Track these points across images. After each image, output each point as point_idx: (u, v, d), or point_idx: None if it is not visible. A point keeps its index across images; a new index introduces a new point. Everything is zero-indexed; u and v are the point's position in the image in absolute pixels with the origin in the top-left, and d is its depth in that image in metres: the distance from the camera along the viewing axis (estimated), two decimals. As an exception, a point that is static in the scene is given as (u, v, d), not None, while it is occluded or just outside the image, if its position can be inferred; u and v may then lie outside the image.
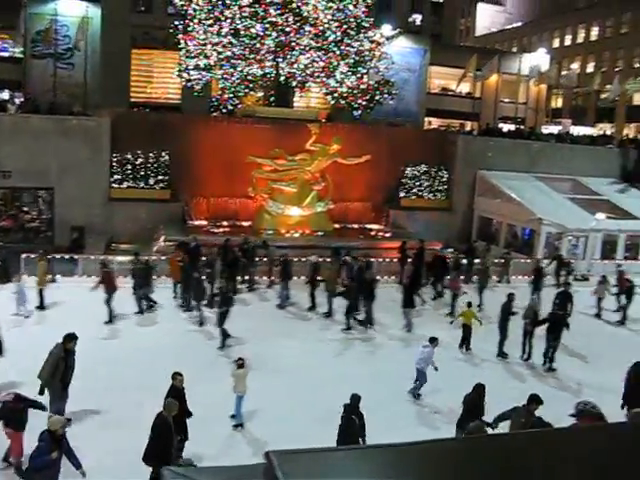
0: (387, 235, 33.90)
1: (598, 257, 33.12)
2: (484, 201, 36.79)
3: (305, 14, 35.85)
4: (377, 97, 38.93)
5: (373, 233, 34.48)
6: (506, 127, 46.23)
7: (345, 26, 37.03)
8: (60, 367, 13.07)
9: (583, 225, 33.01)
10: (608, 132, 56.08)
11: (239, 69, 36.00)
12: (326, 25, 36.37)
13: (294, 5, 35.57)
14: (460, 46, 73.24)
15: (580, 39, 76.65)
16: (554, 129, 50.71)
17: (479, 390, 12.79)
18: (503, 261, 30.15)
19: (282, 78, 36.63)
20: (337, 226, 33.94)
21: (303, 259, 26.16)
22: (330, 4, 36.36)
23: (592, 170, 39.24)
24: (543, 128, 49.51)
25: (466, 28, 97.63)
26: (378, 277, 23.93)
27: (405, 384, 16.21)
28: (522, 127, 45.95)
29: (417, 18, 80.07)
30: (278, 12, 35.33)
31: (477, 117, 46.38)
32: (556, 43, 79.26)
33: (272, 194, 32.94)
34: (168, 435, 11.02)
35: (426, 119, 49.60)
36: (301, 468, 2.08)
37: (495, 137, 40.78)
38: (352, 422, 11.83)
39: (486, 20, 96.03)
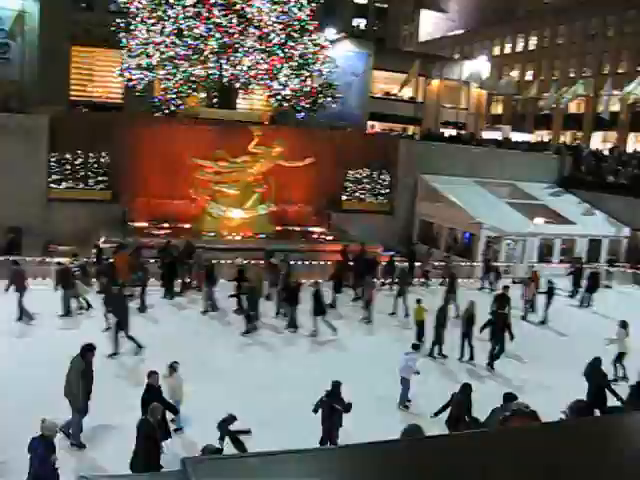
0: (329, 238, 34.00)
1: (535, 260, 33.82)
2: (425, 205, 37.25)
3: (249, 16, 35.76)
4: (320, 100, 39.10)
5: (315, 236, 34.53)
6: (447, 132, 46.90)
7: (289, 29, 37.08)
8: (83, 379, 12.90)
9: (521, 229, 33.71)
10: (546, 139, 57.45)
11: (182, 69, 35.69)
12: (270, 27, 36.34)
13: (238, 7, 35.45)
14: (403, 51, 73.99)
15: (519, 48, 78.59)
16: (494, 135, 51.67)
17: (467, 390, 12.92)
18: (444, 264, 30.55)
19: (225, 79, 36.45)
20: (279, 228, 33.88)
21: (229, 261, 26.01)
22: (274, 6, 36.36)
23: (530, 175, 40.14)
24: (483, 133, 50.39)
25: (410, 34, 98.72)
26: (304, 280, 23.50)
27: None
28: (463, 132, 46.66)
29: (361, 22, 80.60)
30: (222, 13, 35.16)
31: (419, 121, 46.94)
32: (496, 51, 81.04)
33: (214, 196, 32.72)
34: (155, 441, 11.03)
35: (369, 123, 49.94)
36: (215, 475, 2.09)
37: (436, 141, 41.36)
38: (333, 409, 12.61)
39: (429, 26, 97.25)
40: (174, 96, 36.27)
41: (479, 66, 51.82)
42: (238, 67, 36.09)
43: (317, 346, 20.42)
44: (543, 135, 62.63)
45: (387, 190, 37.59)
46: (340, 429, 12.85)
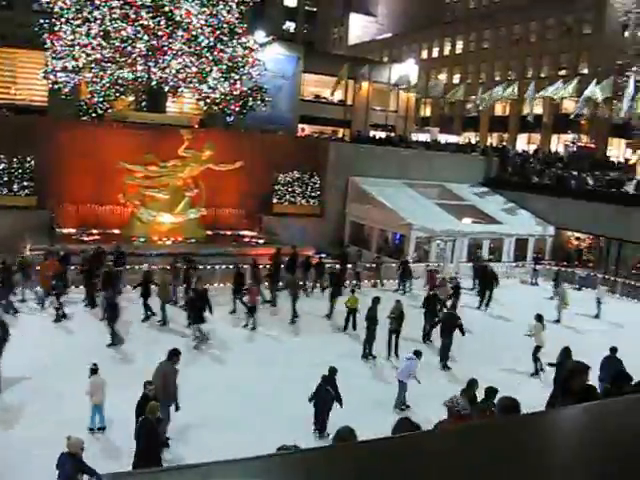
0: (260, 241, 33.98)
1: (464, 260, 34.52)
2: (356, 207, 37.58)
3: (178, 18, 35.41)
4: (250, 103, 39.00)
5: (246, 240, 34.45)
6: (377, 134, 47.39)
7: (218, 31, 36.87)
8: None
9: (450, 229, 34.37)
10: (473, 140, 58.62)
11: (109, 72, 35.08)
12: (199, 30, 36.08)
13: (166, 9, 35.06)
14: (333, 54, 74.40)
15: (447, 52, 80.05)
16: (423, 137, 52.48)
17: (474, 387, 12.87)
18: (375, 265, 30.91)
19: (154, 83, 35.99)
20: (210, 233, 33.70)
21: (136, 267, 25.71)
22: (203, 9, 36.11)
23: (458, 176, 40.94)
24: (412, 136, 51.09)
25: (339, 37, 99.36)
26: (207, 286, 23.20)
27: (261, 389, 16.35)
28: (392, 134, 47.22)
29: (291, 26, 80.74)
30: (150, 15, 34.72)
31: (349, 124, 47.30)
32: (424, 54, 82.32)
33: (143, 201, 32.29)
34: (156, 438, 11.42)
35: (299, 126, 50.05)
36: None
37: (366, 144, 41.77)
38: (327, 392, 13.83)
39: (358, 30, 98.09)
40: (101, 99, 35.61)
41: (408, 69, 52.54)
42: (167, 70, 35.68)
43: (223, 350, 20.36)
44: (470, 137, 63.96)
45: (318, 193, 37.75)
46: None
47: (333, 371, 14.14)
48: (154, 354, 15.19)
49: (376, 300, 20.75)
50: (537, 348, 19.93)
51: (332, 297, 24.91)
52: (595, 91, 40.80)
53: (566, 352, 16.66)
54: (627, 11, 53.40)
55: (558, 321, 25.94)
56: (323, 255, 31.67)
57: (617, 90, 41.90)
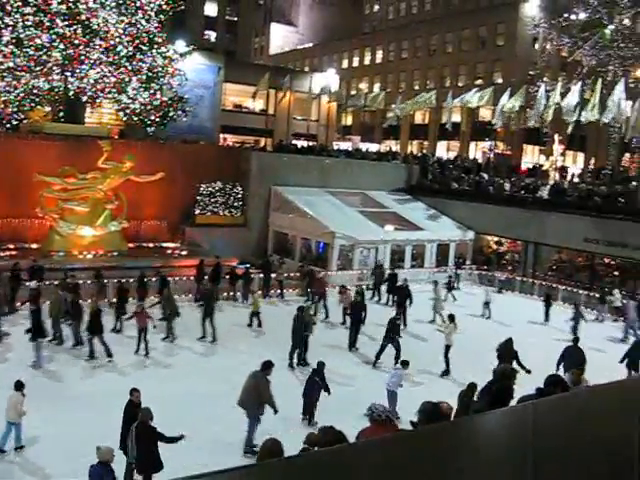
0: (183, 253, 33.65)
1: (388, 266, 34.95)
2: (279, 216, 37.63)
3: (95, 27, 34.80)
4: (171, 114, 38.63)
5: (169, 252, 34.07)
6: (299, 143, 47.58)
7: (137, 41, 36.41)
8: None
9: (373, 236, 34.76)
10: (394, 148, 59.48)
11: (23, 81, 34.15)
12: (117, 39, 35.54)
13: (83, 17, 34.41)
14: (254, 64, 74.34)
15: (367, 61, 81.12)
16: (344, 145, 52.97)
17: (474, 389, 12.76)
18: (299, 274, 31.00)
19: (71, 93, 35.24)
20: (132, 246, 33.21)
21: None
22: (122, 18, 35.60)
23: (380, 184, 41.46)
24: (334, 144, 51.50)
25: (260, 47, 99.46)
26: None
27: (202, 402, 16.21)
28: (314, 143, 47.48)
29: (211, 35, 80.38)
30: (66, 23, 34.01)
31: (271, 134, 47.32)
32: (345, 64, 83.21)
33: (62, 214, 31.60)
34: (155, 441, 11.52)
35: (221, 136, 49.79)
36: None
37: (288, 153, 41.90)
38: (315, 382, 15.44)
39: (279, 40, 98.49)
40: (16, 109, 34.65)
41: (328, 79, 52.98)
42: (84, 80, 35.00)
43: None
44: (391, 145, 64.89)
45: (240, 203, 37.60)
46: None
47: (321, 364, 15.81)
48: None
49: (301, 309, 20.86)
50: (447, 348, 20.44)
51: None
52: (509, 100, 42.03)
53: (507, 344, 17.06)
54: (536, 25, 55.21)
55: (433, 321, 26.78)
56: (248, 265, 31.60)
57: (530, 99, 43.28)
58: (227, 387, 15.95)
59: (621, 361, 19.27)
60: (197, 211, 36.50)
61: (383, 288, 30.87)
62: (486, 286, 31.04)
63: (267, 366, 14.77)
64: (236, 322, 24.65)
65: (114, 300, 23.88)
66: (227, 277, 28.69)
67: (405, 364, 16.84)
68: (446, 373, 20.21)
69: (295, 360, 20.26)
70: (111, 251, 31.80)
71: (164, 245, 34.77)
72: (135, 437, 11.56)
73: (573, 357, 17.76)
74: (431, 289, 27.97)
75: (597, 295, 30.67)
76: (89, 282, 25.38)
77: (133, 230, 33.72)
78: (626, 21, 48.21)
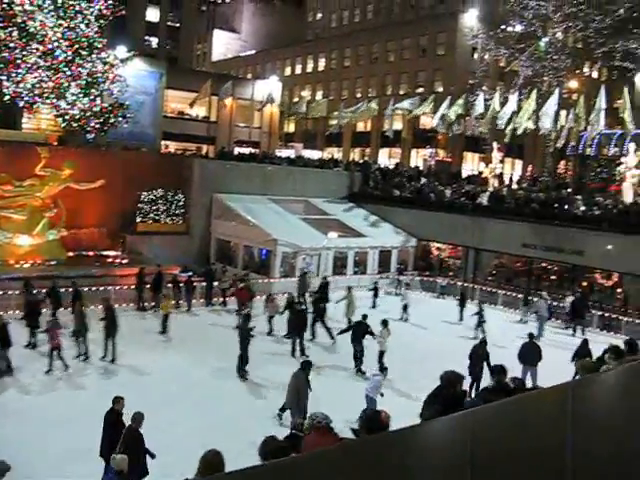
0: (124, 261, 33.21)
1: (330, 273, 35.12)
2: (221, 224, 37.44)
3: (32, 30, 34.13)
4: (111, 120, 38.09)
5: (109, 260, 33.58)
6: (242, 150, 47.48)
7: (76, 46, 35.83)
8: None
9: (316, 244, 34.88)
10: (336, 156, 59.83)
11: (-45, 85, 33.31)
12: (55, 43, 34.92)
13: (19, 19, 33.71)
14: (196, 70, 73.97)
15: (309, 69, 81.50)
16: (287, 153, 53.06)
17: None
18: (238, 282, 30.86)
19: (7, 97, 34.45)
20: (71, 254, 32.61)
21: None
22: (60, 22, 34.99)
23: (322, 191, 41.69)
24: (277, 152, 51.54)
25: (203, 53, 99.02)
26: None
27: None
28: (257, 151, 47.45)
29: (153, 41, 79.63)
30: (0, 26, 33.28)
31: (213, 141, 47.09)
32: (288, 72, 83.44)
33: (-2, 222, 30.88)
34: (141, 446, 11.50)
35: (163, 143, 49.34)
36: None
37: (231, 160, 41.77)
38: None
39: (222, 47, 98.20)
40: (-53, 115, 33.76)
41: (271, 86, 53.03)
42: (21, 85, 34.27)
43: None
44: (334, 152, 65.25)
45: (182, 210, 37.31)
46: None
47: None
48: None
49: (247, 317, 20.86)
50: (381, 354, 20.66)
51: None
52: (449, 108, 42.74)
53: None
54: (475, 35, 56.36)
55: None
56: (190, 273, 31.37)
57: (469, 108, 44.11)
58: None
59: (572, 360, 19.51)
60: (138, 219, 36.05)
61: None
62: (405, 289, 31.00)
63: (306, 365, 15.56)
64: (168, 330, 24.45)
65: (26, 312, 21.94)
66: (170, 285, 28.42)
67: (383, 370, 17.01)
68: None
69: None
70: (49, 260, 31.19)
71: (104, 253, 34.23)
72: (124, 441, 11.53)
73: (530, 352, 19.65)
74: (348, 294, 27.48)
75: (520, 297, 31.96)
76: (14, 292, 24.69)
77: (73, 238, 33.11)
78: (559, 34, 49.55)
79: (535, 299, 30.27)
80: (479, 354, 18.56)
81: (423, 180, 44.80)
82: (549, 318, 28.88)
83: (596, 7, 47.38)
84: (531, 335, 21.06)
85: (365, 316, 22.36)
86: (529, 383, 17.80)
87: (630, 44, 45.73)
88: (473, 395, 14.39)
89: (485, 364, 17.89)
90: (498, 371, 9.98)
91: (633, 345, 12.10)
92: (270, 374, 19.57)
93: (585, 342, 20.89)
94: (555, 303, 30.77)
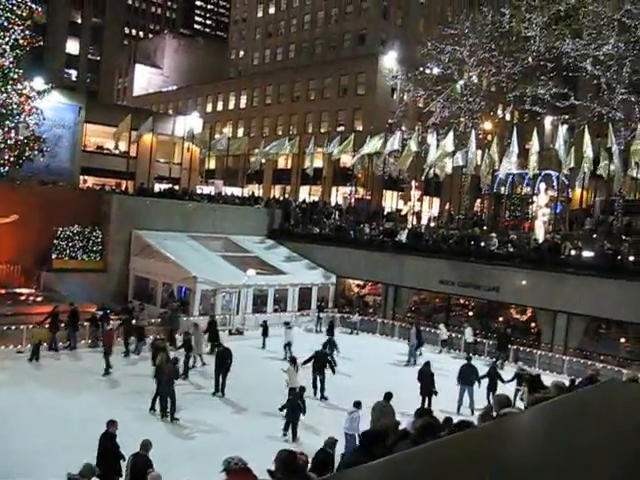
0: (38, 299, 32.21)
1: (250, 311, 34.99)
2: (140, 261, 36.88)
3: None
4: (27, 153, 37.19)
5: (23, 297, 32.49)
6: (162, 187, 47.02)
7: (-9, 76, 35.01)
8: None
9: (235, 281, 34.66)
10: (257, 193, 59.96)
11: None
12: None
13: None
14: (116, 105, 73.25)
15: (231, 106, 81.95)
16: (208, 189, 52.85)
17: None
18: (160, 320, 30.37)
19: None
20: (-18, 291, 31.51)
21: None
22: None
23: (242, 228, 41.67)
24: (197, 188, 51.29)
25: (124, 87, 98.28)
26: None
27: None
28: (177, 187, 47.10)
29: (73, 74, 78.51)
30: None
31: (133, 176, 46.48)
32: (209, 108, 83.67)
33: None
34: (145, 474, 11.71)
35: (82, 177, 48.41)
36: None
37: (150, 197, 41.29)
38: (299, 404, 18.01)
39: (144, 81, 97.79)
40: None
41: (192, 122, 52.91)
42: None
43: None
44: (255, 189, 65.37)
45: (100, 247, 36.60)
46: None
47: (303, 389, 18.57)
48: None
49: (176, 360, 20.63)
50: (291, 390, 20.10)
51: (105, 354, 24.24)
52: (369, 147, 43.51)
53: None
54: (394, 76, 57.96)
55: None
56: (108, 311, 30.65)
57: (388, 147, 45.00)
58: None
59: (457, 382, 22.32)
60: (54, 255, 35.16)
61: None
62: (287, 328, 29.59)
63: (389, 396, 16.50)
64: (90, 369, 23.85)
65: None
66: (87, 323, 27.75)
67: (358, 405, 16.72)
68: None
69: (161, 409, 19.59)
70: (-42, 297, 30.06)
71: (18, 291, 33.14)
72: (132, 466, 12.29)
73: (467, 374, 22.38)
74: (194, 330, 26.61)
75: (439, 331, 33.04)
76: None
77: (-17, 275, 32.04)
78: (474, 78, 51.49)
79: (412, 329, 30.88)
80: (427, 374, 21.65)
81: (339, 217, 45.34)
82: (419, 345, 30.18)
83: (507, 54, 49.52)
84: (468, 358, 23.76)
85: (325, 345, 24.53)
86: (467, 401, 21.95)
87: (538, 90, 47.88)
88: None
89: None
90: (422, 413, 10.23)
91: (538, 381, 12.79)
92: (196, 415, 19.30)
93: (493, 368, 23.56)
94: (455, 335, 32.61)
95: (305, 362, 22.81)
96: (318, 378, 22.80)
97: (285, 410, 18.25)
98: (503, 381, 22.54)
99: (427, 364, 22.39)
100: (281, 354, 28.00)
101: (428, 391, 21.26)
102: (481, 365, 24.91)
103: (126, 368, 24.89)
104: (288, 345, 28.49)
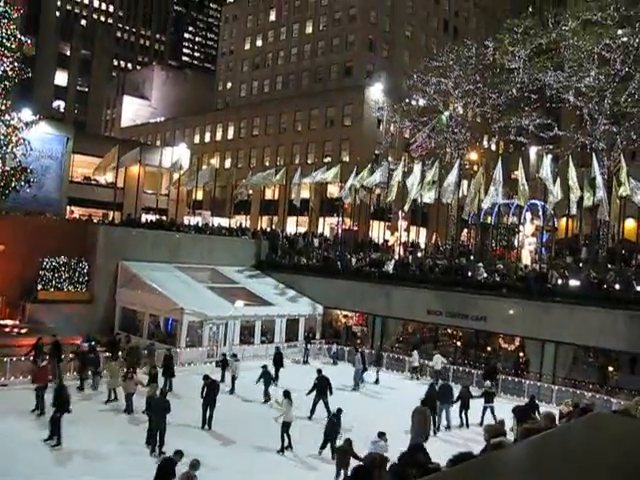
0: (23, 331, 31.85)
1: (237, 342, 34.77)
2: (126, 292, 36.69)
3: None
4: (13, 184, 37.05)
5: (7, 329, 32.14)
6: (149, 218, 46.96)
7: (-22, 107, 34.95)
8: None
9: (223, 312, 34.51)
10: (245, 224, 59.94)
11: None
12: (-45, 105, 34.00)
13: None
14: (104, 136, 73.43)
15: (218, 137, 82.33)
16: (195, 220, 52.86)
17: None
18: (147, 352, 30.09)
19: None
20: (-35, 323, 31.19)
21: None
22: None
23: (230, 259, 41.63)
24: (184, 219, 51.28)
25: (112, 119, 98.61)
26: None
27: None
28: (164, 218, 47.06)
29: (61, 105, 78.76)
30: None
31: (120, 207, 46.44)
32: (197, 139, 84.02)
33: None
34: None
35: (68, 208, 48.30)
36: None
37: (138, 227, 41.21)
38: (336, 424, 19.29)
39: (131, 112, 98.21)
40: None
41: (180, 153, 53.06)
42: None
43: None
44: (242, 220, 65.36)
45: (86, 278, 36.42)
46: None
47: (340, 410, 19.53)
48: None
49: (164, 390, 20.47)
50: (285, 424, 20.20)
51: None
52: (355, 178, 43.72)
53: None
54: (380, 107, 58.52)
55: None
56: (93, 343, 30.35)
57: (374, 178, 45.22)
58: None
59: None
60: (40, 286, 34.92)
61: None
62: (235, 360, 28.19)
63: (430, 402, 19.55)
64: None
65: None
66: (72, 356, 27.39)
67: (382, 435, 16.41)
68: (283, 450, 20.03)
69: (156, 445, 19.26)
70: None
71: (2, 322, 32.82)
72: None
73: (444, 393, 24.21)
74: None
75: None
76: None
77: (-33, 307, 31.74)
78: (459, 109, 52.05)
79: (357, 355, 31.38)
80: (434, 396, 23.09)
81: (325, 247, 45.39)
82: (364, 370, 30.79)
83: (491, 86, 50.14)
84: (444, 378, 27.32)
85: (319, 370, 25.23)
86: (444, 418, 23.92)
87: (523, 120, 48.44)
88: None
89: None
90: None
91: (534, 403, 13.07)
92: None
93: (432, 386, 25.00)
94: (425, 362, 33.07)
95: (309, 392, 23.89)
96: (322, 401, 23.61)
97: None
98: (472, 397, 24.84)
99: (431, 386, 24.66)
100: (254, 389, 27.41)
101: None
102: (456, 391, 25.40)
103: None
104: (233, 378, 27.49)
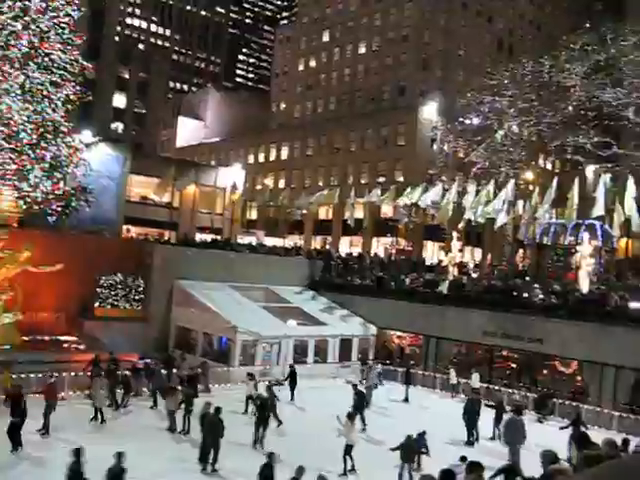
0: (81, 347, 32.44)
1: (291, 361, 34.70)
2: (181, 310, 37.06)
3: (-1, 113, 34.17)
4: (73, 204, 37.90)
5: (66, 345, 32.78)
6: (203, 237, 47.51)
7: (42, 129, 35.90)
8: None
9: (276, 332, 34.57)
10: (298, 243, 60.19)
11: None
12: (21, 126, 34.96)
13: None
14: (160, 156, 74.69)
15: (272, 157, 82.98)
16: (249, 239, 53.26)
17: None
18: (200, 370, 30.27)
19: (-33, 179, 34.21)
20: (26, 339, 31.83)
21: None
22: (26, 105, 35.15)
23: (283, 279, 41.69)
24: (239, 238, 51.70)
25: (168, 139, 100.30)
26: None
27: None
28: (219, 237, 47.53)
29: (119, 126, 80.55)
30: (-34, 109, 33.34)
31: (175, 226, 47.12)
32: (251, 159, 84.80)
33: (-48, 305, 30.17)
34: None
35: (125, 227, 49.22)
36: None
37: (193, 247, 41.70)
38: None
39: (187, 133, 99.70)
40: None
41: (234, 173, 53.67)
42: (-17, 166, 34.08)
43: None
44: (296, 240, 65.64)
45: (142, 296, 36.93)
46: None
47: (424, 433, 19.80)
48: None
49: (207, 405, 20.54)
50: (348, 447, 19.76)
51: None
52: (410, 198, 43.55)
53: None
54: (434, 127, 58.30)
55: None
56: (148, 361, 30.69)
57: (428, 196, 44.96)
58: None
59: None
60: (97, 304, 35.56)
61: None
62: (250, 379, 26.85)
63: (519, 411, 20.89)
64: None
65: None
66: (128, 373, 27.69)
67: (464, 459, 15.05)
68: (346, 473, 19.61)
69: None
70: (3, 344, 30.35)
71: (61, 338, 33.45)
72: None
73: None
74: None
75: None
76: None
77: (28, 322, 32.38)
78: (514, 128, 51.49)
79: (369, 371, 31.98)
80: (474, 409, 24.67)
81: (382, 268, 45.14)
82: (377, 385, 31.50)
83: (547, 104, 49.44)
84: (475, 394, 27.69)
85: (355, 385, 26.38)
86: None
87: (579, 139, 47.61)
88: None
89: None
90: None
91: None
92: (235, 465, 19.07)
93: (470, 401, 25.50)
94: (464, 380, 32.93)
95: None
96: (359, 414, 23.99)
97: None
98: (505, 411, 25.23)
99: (471, 399, 25.61)
100: (314, 406, 27.30)
101: (473, 425, 24.61)
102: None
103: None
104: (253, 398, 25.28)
